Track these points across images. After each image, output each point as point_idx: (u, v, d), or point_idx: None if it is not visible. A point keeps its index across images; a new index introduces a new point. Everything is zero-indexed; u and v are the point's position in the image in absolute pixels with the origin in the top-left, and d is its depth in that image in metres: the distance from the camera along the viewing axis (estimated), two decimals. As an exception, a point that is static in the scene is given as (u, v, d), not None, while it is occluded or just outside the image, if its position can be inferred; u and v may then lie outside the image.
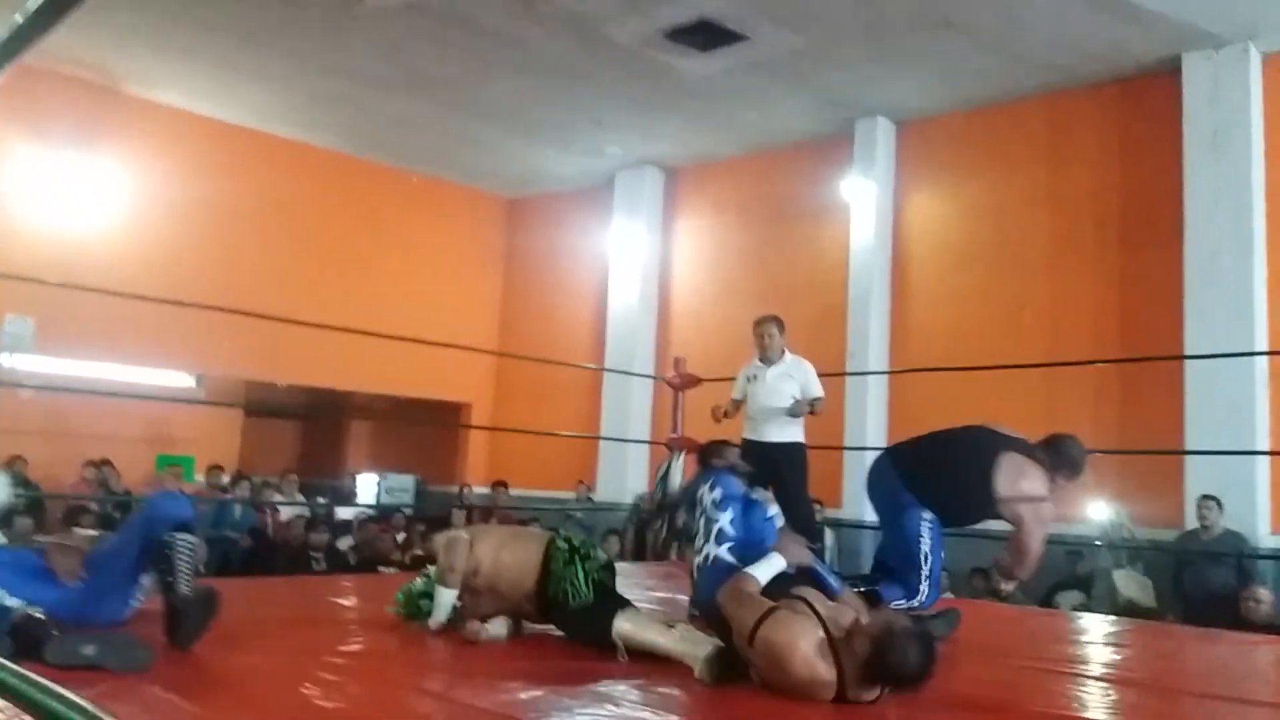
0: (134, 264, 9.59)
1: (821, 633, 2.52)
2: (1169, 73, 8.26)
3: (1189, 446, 7.61)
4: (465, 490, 11.65)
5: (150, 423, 10.28)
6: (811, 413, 5.54)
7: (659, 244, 11.78)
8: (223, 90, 10.16)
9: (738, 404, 5.76)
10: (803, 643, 2.49)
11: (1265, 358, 7.53)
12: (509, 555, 3.28)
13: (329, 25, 8.53)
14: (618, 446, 11.04)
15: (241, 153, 10.94)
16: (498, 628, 3.26)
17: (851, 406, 9.57)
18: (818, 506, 8.96)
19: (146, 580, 2.95)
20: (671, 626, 2.99)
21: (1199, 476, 7.49)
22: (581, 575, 3.13)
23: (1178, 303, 7.94)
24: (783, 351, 5.67)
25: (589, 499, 11.19)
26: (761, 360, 5.66)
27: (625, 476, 11.13)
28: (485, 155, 11.69)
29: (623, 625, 2.98)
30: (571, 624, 3.17)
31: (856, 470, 9.53)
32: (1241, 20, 7.69)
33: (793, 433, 5.56)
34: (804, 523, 5.51)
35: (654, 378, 10.42)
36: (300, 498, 10.48)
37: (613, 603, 3.09)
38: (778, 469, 5.44)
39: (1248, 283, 7.71)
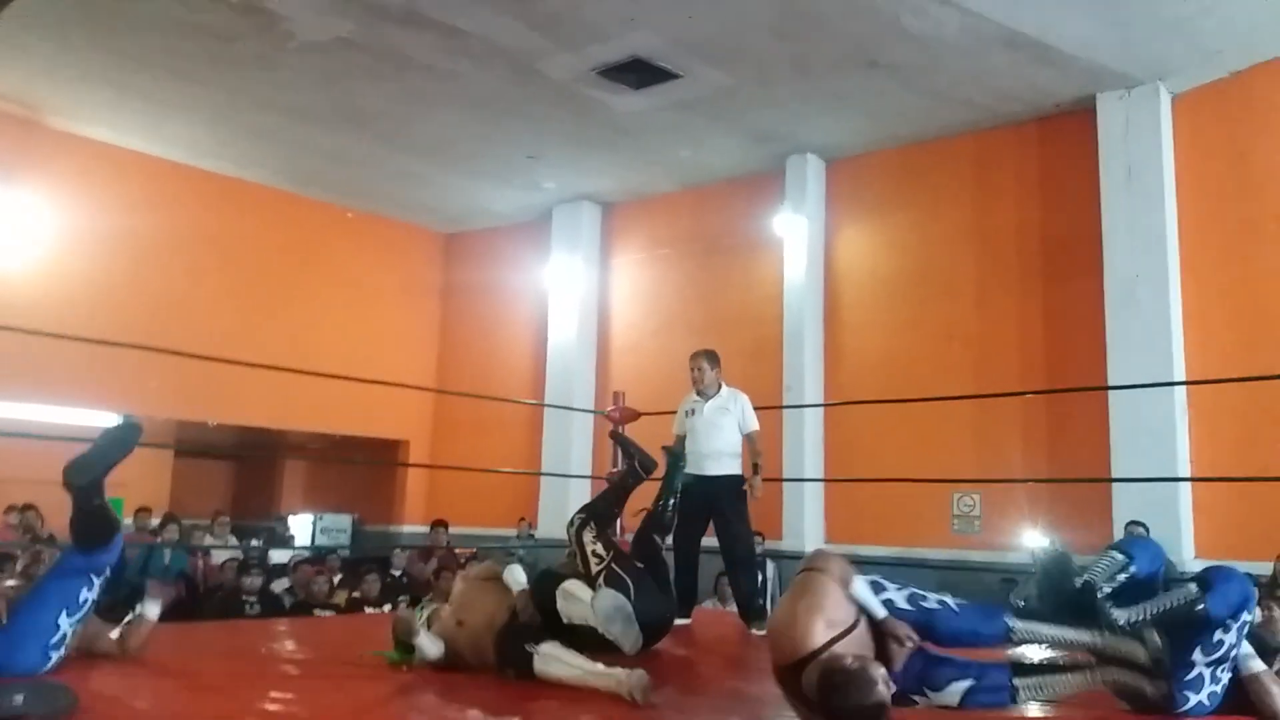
0: (59, 301, 9.35)
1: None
2: (1085, 112, 8.59)
3: (1115, 473, 7.84)
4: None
5: (75, 465, 9.96)
6: (756, 458, 5.58)
7: (597, 278, 11.84)
8: (151, 124, 10.00)
9: (680, 440, 5.79)
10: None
11: (1184, 387, 7.79)
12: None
13: (259, 59, 8.47)
14: (559, 482, 10.99)
15: (171, 188, 10.75)
16: (434, 645, 3.29)
17: (789, 439, 9.68)
18: (759, 539, 9.03)
19: (66, 622, 2.88)
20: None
21: (1126, 502, 7.71)
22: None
23: (1100, 333, 8.20)
24: (719, 385, 5.71)
25: (530, 536, 11.09)
26: (698, 394, 5.70)
27: (567, 512, 10.93)
28: (421, 190, 11.65)
29: (569, 585, 3.28)
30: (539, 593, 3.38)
31: (795, 502, 9.65)
32: (1151, 62, 8.03)
33: (732, 465, 5.59)
34: (746, 554, 5.54)
35: (594, 412, 10.42)
36: (233, 540, 10.24)
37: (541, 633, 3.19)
38: (718, 502, 5.48)
39: (1164, 313, 8.00)
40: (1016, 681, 2.58)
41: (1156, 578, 2.81)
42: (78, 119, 9.88)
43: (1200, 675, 2.63)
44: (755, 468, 5.55)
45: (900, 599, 2.73)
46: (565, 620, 3.24)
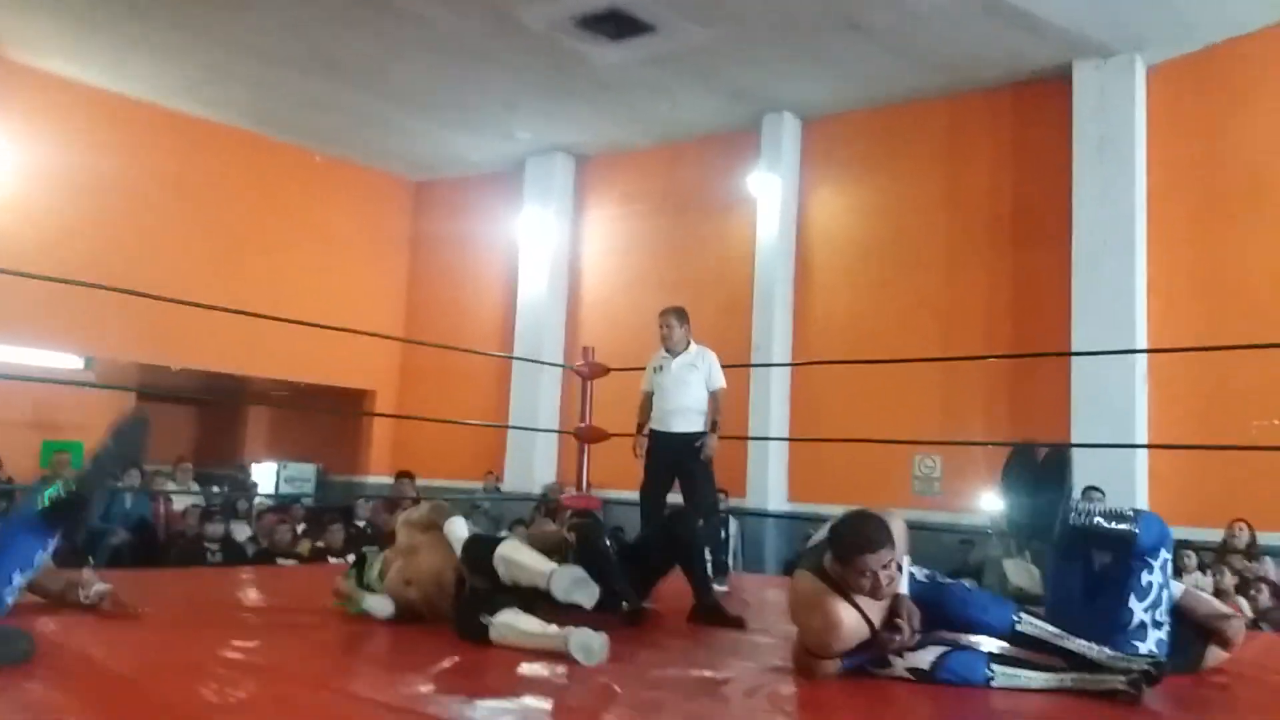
0: (19, 239, 9.15)
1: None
2: (1060, 79, 8.60)
3: (1075, 439, 7.95)
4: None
5: (36, 407, 9.84)
6: (715, 419, 5.59)
7: (569, 231, 11.76)
8: (116, 60, 9.74)
9: (648, 397, 5.80)
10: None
11: (1144, 355, 7.92)
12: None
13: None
14: (526, 436, 11.01)
15: (135, 126, 10.52)
16: (384, 605, 3.29)
17: (756, 397, 9.74)
18: (722, 495, 9.11)
19: (19, 578, 2.85)
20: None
21: (1084, 468, 7.81)
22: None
23: (1065, 301, 8.29)
24: (687, 342, 5.70)
25: (497, 489, 11.12)
26: (667, 351, 5.71)
27: (533, 466, 11.11)
28: (391, 136, 11.48)
29: (505, 550, 3.11)
30: (469, 558, 3.25)
31: (760, 460, 9.73)
32: (1129, 33, 8.04)
33: (698, 423, 5.61)
34: (709, 512, 5.58)
35: (563, 366, 10.41)
36: (195, 486, 10.17)
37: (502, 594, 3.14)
38: (684, 459, 5.52)
39: (1129, 283, 8.09)
40: (995, 667, 2.63)
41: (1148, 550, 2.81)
42: (40, 51, 9.60)
43: (1142, 623, 2.71)
44: (713, 425, 5.57)
45: (918, 572, 2.79)
46: (509, 583, 3.16)
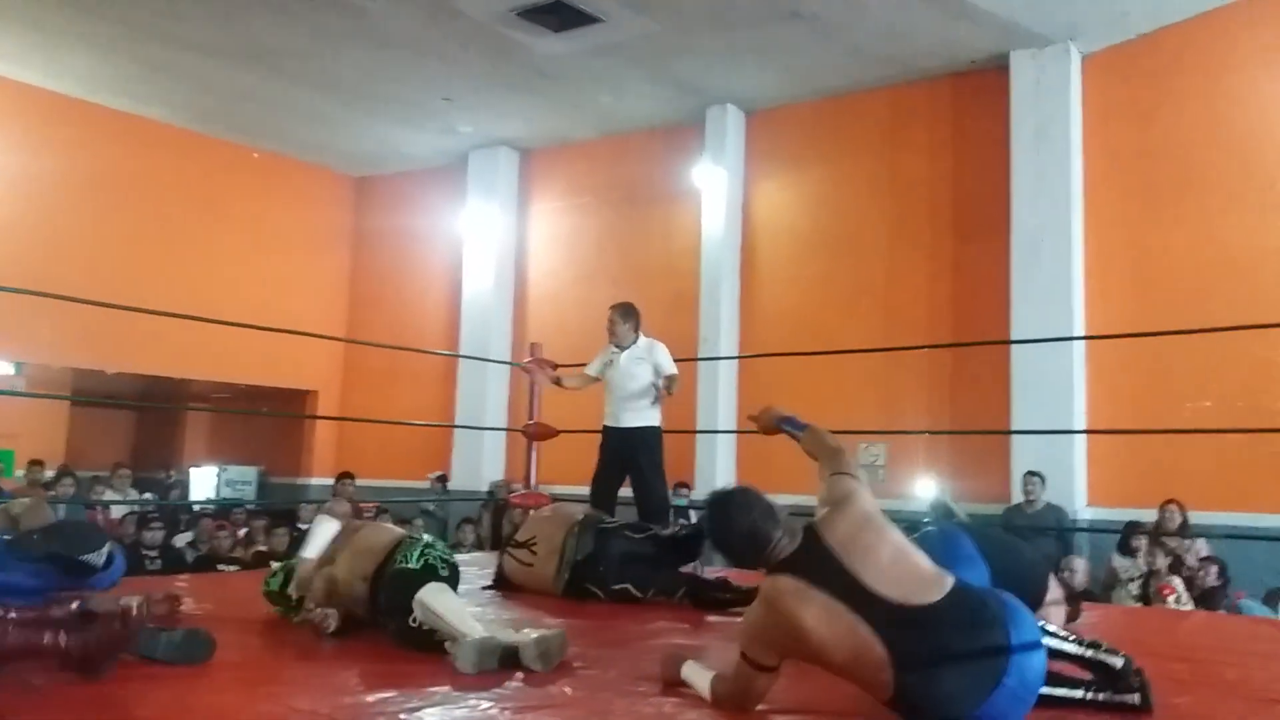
0: (-60, 242, 8.85)
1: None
2: (998, 70, 8.70)
3: (1015, 426, 8.09)
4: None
5: (-39, 415, 9.54)
6: (668, 393, 5.59)
7: (514, 226, 11.66)
8: (44, 56, 9.44)
9: (586, 379, 5.82)
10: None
11: (1083, 342, 8.06)
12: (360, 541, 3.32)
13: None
14: (473, 434, 10.90)
15: (66, 123, 10.21)
16: (332, 620, 3.21)
17: (704, 389, 9.76)
18: (684, 490, 9.14)
19: None
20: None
21: (1024, 453, 7.97)
22: (417, 552, 3.14)
23: (1005, 288, 8.40)
24: (635, 337, 5.71)
25: (444, 488, 10.99)
26: (616, 346, 5.70)
27: (481, 464, 11.00)
28: (331, 131, 11.29)
29: (425, 596, 2.90)
30: (387, 593, 3.09)
31: (708, 452, 9.75)
32: (1064, 22, 8.16)
33: (647, 417, 5.61)
34: (658, 505, 5.58)
35: (510, 364, 10.32)
36: (134, 493, 9.92)
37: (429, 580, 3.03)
38: (634, 454, 5.52)
39: (1066, 270, 8.23)
40: None
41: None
42: (-41, 47, 9.28)
43: None
44: (669, 380, 5.52)
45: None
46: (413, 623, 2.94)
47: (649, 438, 5.61)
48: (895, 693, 2.20)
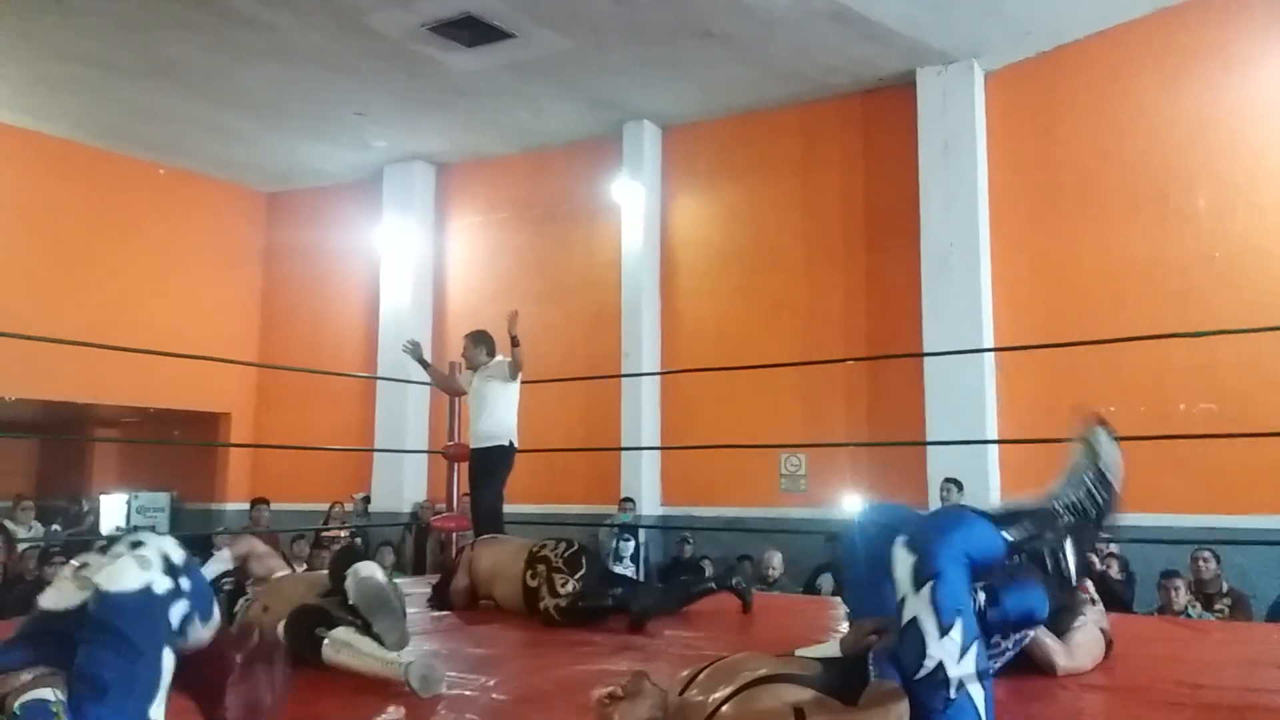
0: None
1: None
2: (906, 86, 8.92)
3: (930, 434, 8.26)
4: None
5: None
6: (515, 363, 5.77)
7: (431, 242, 11.53)
8: (-72, 71, 9.04)
9: (459, 388, 6.24)
10: None
11: (993, 352, 8.28)
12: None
13: (46, 1, 7.76)
14: (394, 455, 10.73)
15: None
16: None
17: (627, 405, 9.78)
18: (629, 504, 9.14)
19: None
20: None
21: (940, 461, 8.15)
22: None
23: (917, 300, 8.60)
24: (489, 359, 5.98)
25: (365, 509, 10.76)
26: (470, 370, 6.06)
27: (403, 485, 10.82)
28: (239, 146, 11.02)
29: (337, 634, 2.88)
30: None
31: (634, 469, 9.75)
32: (967, 40, 8.40)
33: (496, 437, 5.79)
34: (488, 514, 5.68)
35: (430, 384, 10.17)
36: (38, 526, 9.50)
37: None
38: (479, 469, 5.82)
39: (975, 281, 8.45)
40: None
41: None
42: None
43: None
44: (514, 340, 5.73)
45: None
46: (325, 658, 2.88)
47: (492, 455, 5.80)
48: None
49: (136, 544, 1.99)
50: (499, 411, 5.79)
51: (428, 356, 10.95)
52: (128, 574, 1.95)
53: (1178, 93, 8.09)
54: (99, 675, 1.86)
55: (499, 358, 5.95)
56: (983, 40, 8.43)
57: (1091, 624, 2.90)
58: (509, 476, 5.90)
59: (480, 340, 6.03)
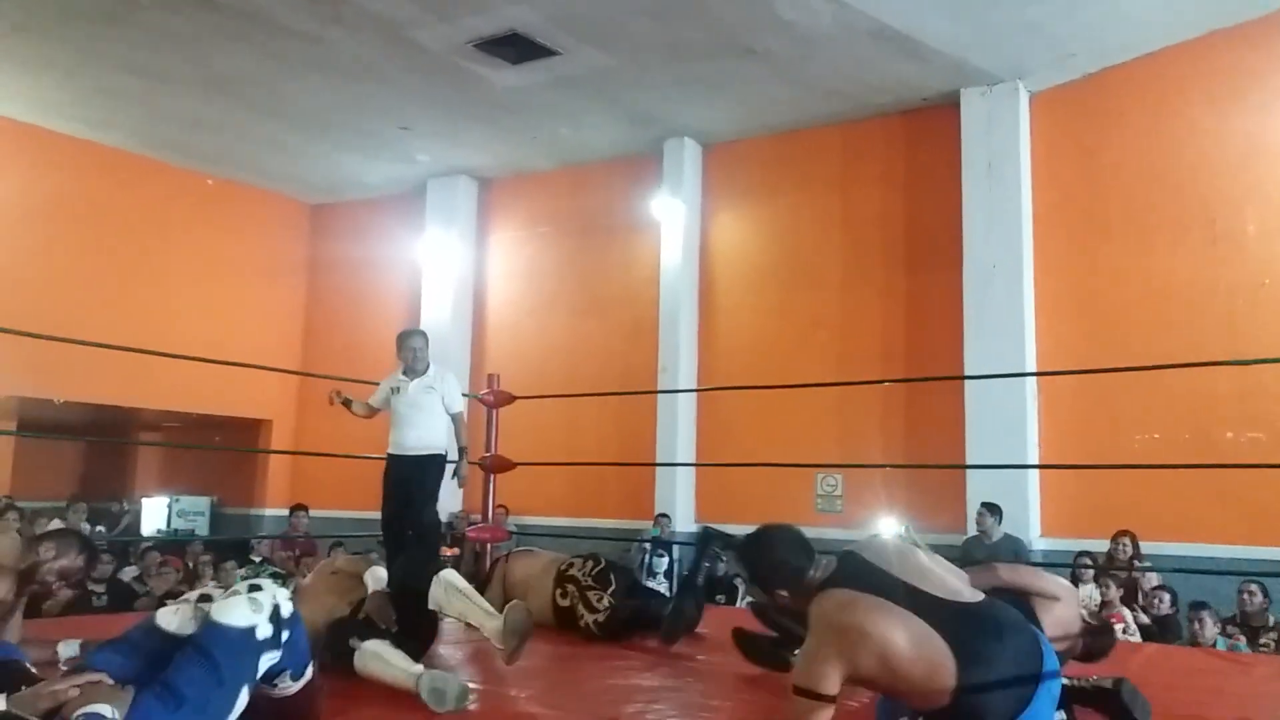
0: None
1: None
2: (949, 106, 8.87)
3: (969, 459, 8.17)
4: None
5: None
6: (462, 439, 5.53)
7: (473, 255, 11.63)
8: (-6, 82, 9.30)
9: (370, 409, 5.74)
10: None
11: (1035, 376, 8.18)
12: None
13: (110, 16, 7.96)
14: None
15: (16, 149, 10.04)
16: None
17: (663, 420, 9.78)
18: (665, 519, 9.10)
19: None
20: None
21: (979, 486, 8.06)
22: None
23: (958, 322, 8.52)
24: (427, 365, 5.60)
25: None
26: (405, 373, 5.60)
27: (439, 496, 10.85)
28: (286, 158, 11.20)
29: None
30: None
31: (668, 484, 9.75)
32: (1012, 61, 8.35)
33: (432, 444, 5.49)
34: (426, 533, 5.47)
35: (468, 395, 10.25)
36: (85, 525, 9.66)
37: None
38: (411, 480, 5.42)
39: (1018, 303, 8.37)
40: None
41: None
42: (-96, 71, 9.11)
43: None
44: (461, 452, 5.49)
45: None
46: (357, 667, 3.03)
47: (429, 465, 5.50)
48: (952, 698, 2.18)
49: (255, 587, 2.17)
50: (436, 419, 5.48)
51: (466, 369, 11.19)
52: (238, 611, 2.13)
53: (1226, 116, 7.97)
54: (181, 689, 2.02)
55: (435, 368, 5.61)
56: (1027, 61, 8.38)
57: (1071, 603, 2.97)
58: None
59: (427, 344, 5.66)
